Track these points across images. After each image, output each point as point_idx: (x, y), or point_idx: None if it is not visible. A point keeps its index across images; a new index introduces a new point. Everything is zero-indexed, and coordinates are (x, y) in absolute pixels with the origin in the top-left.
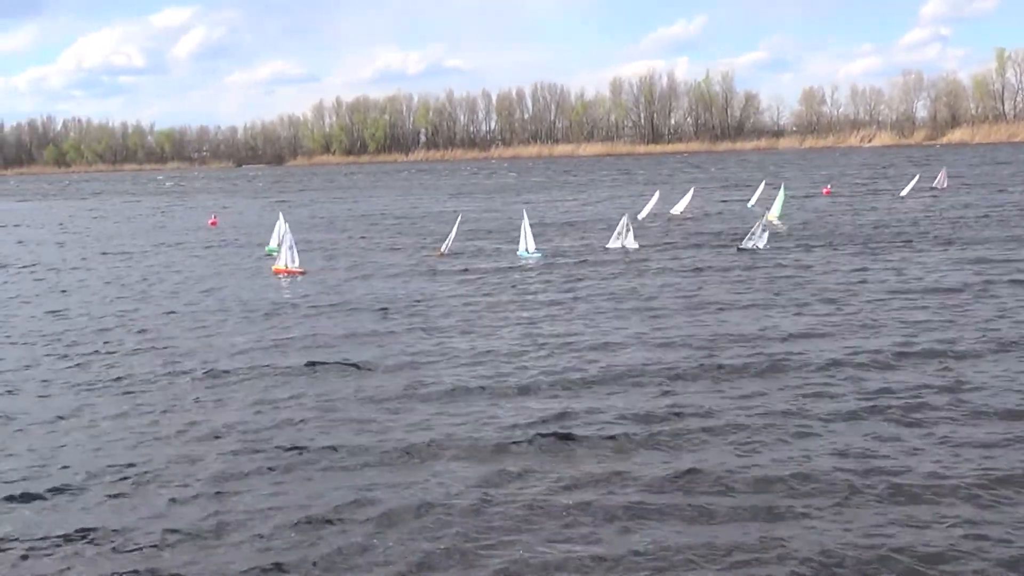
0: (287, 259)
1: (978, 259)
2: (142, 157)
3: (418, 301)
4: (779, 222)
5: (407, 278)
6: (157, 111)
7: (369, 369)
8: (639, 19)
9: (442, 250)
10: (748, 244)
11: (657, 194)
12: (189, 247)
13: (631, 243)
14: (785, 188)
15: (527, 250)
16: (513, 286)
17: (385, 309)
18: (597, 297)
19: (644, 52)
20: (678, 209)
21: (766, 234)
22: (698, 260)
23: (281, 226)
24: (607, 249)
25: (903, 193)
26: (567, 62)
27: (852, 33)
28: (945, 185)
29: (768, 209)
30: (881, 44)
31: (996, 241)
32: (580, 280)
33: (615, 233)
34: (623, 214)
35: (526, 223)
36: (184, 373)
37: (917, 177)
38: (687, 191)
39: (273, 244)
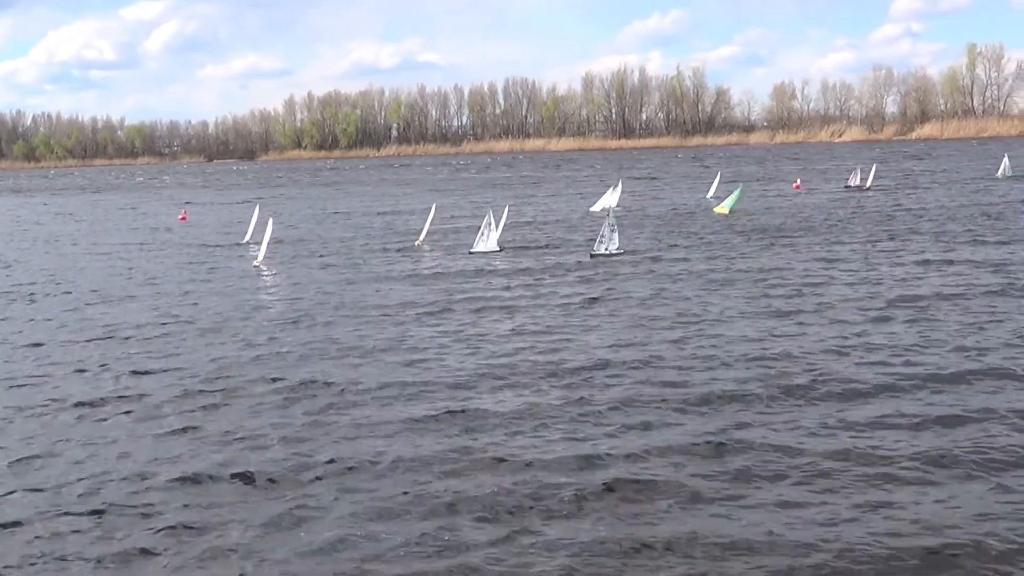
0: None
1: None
2: (112, 152)
3: (383, 296)
4: (729, 215)
5: (382, 274)
6: (130, 105)
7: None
8: (618, 13)
9: (419, 240)
10: (600, 249)
11: (611, 190)
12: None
13: (492, 245)
14: (743, 185)
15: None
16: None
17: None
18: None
19: (620, 46)
20: (613, 202)
21: (615, 235)
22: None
23: (255, 219)
24: (470, 253)
25: (866, 184)
26: (544, 57)
27: (829, 27)
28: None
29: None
30: (855, 39)
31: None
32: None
33: (479, 233)
34: (488, 212)
35: (490, 217)
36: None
37: (874, 167)
38: (617, 184)
39: (247, 238)
